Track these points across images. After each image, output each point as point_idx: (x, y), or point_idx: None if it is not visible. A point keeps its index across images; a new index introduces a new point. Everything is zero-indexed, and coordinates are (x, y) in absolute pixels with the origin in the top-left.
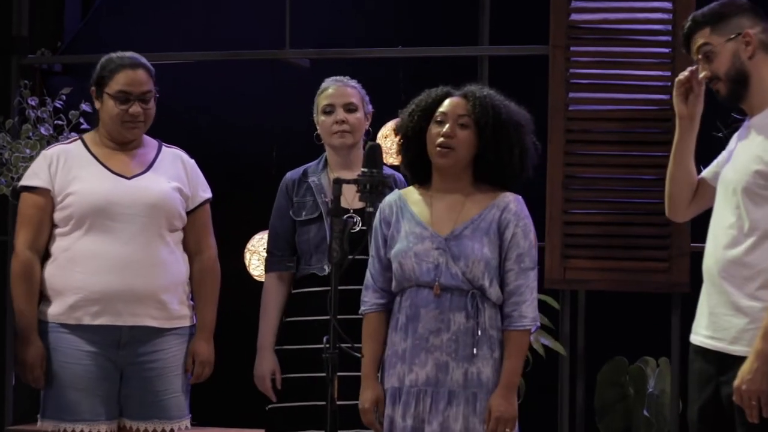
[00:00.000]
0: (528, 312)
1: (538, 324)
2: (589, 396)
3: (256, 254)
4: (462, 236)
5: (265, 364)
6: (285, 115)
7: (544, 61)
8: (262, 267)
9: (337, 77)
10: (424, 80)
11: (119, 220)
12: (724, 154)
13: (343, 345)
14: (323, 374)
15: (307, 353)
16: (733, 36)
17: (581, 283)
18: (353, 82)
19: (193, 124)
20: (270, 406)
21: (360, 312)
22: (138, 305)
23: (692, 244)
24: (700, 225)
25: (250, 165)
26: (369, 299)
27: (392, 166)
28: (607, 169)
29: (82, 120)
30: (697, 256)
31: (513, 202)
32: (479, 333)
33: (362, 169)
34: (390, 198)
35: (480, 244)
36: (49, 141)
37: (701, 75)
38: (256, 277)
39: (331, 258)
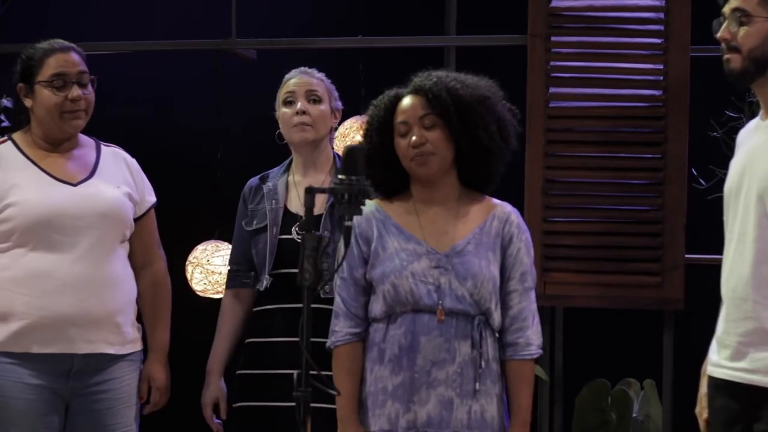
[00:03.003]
0: (534, 339)
1: (541, 351)
2: (567, 421)
3: (199, 267)
4: (465, 252)
5: (209, 391)
6: (230, 111)
7: (522, 53)
8: (206, 281)
9: (303, 68)
10: (386, 74)
11: (68, 233)
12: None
13: (314, 377)
14: (285, 404)
15: (267, 379)
16: None
17: (563, 299)
18: (320, 74)
19: (129, 121)
20: None
21: (329, 345)
22: (93, 330)
23: (687, 256)
24: (695, 235)
25: (192, 166)
26: (341, 329)
27: None
28: (592, 173)
29: (2, 117)
30: (692, 269)
31: (513, 213)
32: (483, 365)
33: (339, 176)
34: (365, 210)
35: (486, 261)
36: None
37: (719, 34)
38: (199, 293)
39: (303, 280)
